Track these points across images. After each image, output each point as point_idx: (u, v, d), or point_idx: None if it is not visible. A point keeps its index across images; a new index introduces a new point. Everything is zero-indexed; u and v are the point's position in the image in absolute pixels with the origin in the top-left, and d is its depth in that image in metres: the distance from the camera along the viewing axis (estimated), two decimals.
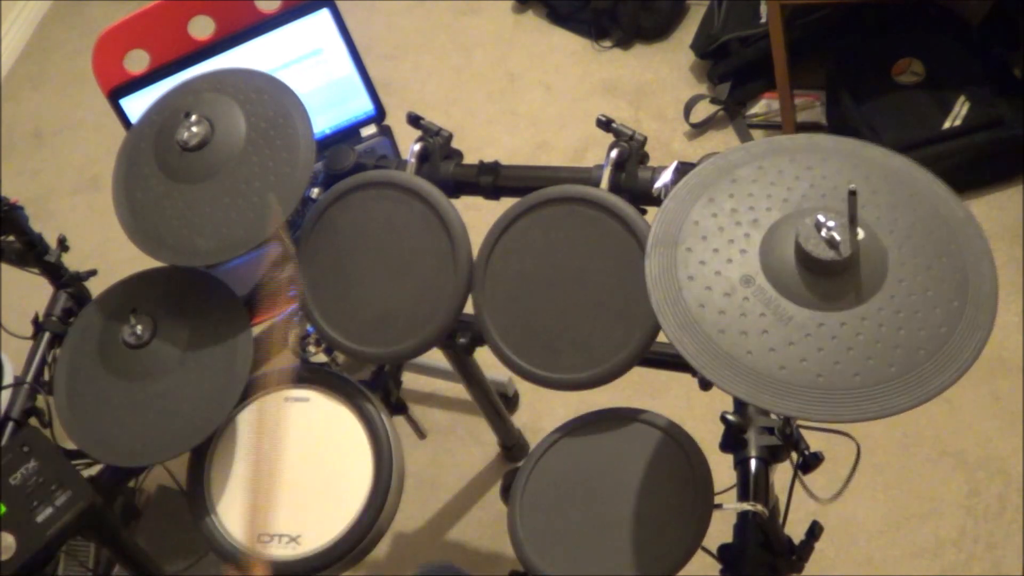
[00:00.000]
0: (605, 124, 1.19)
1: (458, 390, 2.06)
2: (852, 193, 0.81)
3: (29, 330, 1.42)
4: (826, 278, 0.82)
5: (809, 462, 1.08)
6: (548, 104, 2.55)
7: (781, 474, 1.10)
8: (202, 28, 1.69)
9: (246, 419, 1.23)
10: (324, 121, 1.69)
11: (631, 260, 1.09)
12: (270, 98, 1.20)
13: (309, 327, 1.27)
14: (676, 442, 1.09)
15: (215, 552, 1.17)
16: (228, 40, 1.61)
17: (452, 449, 2.01)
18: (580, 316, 1.11)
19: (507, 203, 1.19)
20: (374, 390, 1.24)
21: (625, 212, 1.11)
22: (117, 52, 1.68)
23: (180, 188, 1.17)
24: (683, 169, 1.09)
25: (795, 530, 1.09)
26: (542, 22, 2.72)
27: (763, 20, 2.23)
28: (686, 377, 1.23)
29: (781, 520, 1.10)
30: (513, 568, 1.10)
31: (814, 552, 1.08)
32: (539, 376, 1.12)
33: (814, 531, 1.08)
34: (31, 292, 1.57)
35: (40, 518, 1.12)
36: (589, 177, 1.18)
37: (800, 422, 1.09)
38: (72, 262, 1.52)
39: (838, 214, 0.82)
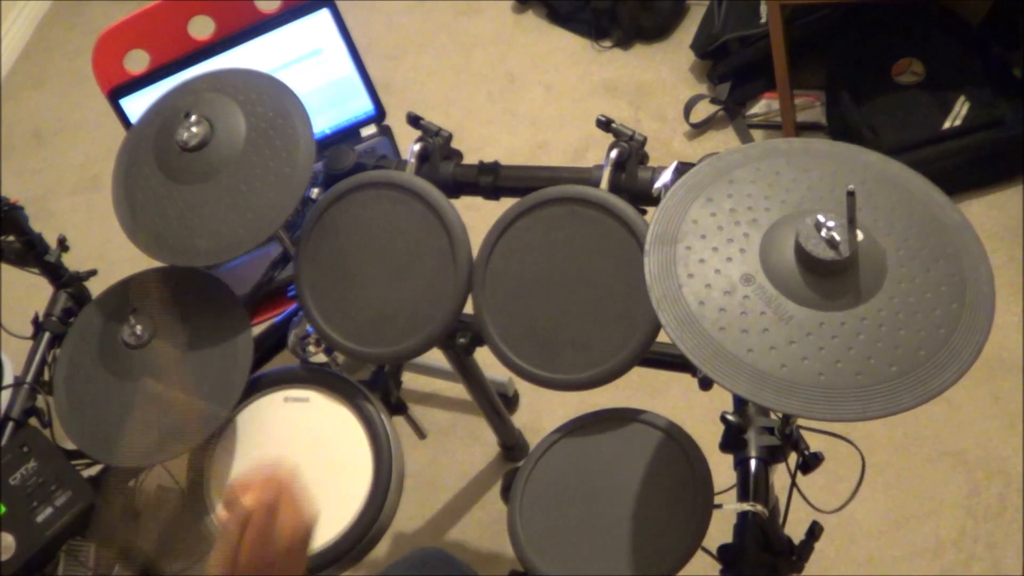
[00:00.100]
0: (605, 124, 1.19)
1: (458, 390, 2.06)
2: (851, 194, 0.81)
3: (29, 330, 1.42)
4: (826, 278, 0.83)
5: (809, 462, 1.08)
6: (548, 104, 2.55)
7: (781, 474, 1.10)
8: (202, 28, 1.69)
9: (246, 419, 1.23)
10: (324, 121, 1.69)
11: (631, 260, 1.09)
12: (270, 98, 1.20)
13: (309, 327, 1.27)
14: (676, 442, 1.09)
15: None
16: (228, 40, 1.62)
17: (452, 449, 2.01)
18: (580, 316, 1.11)
19: (507, 203, 1.19)
20: (374, 390, 1.24)
21: (625, 212, 1.11)
22: (117, 52, 1.68)
23: (180, 188, 1.17)
24: (683, 169, 1.09)
25: (795, 530, 1.09)
26: (542, 22, 2.73)
27: (763, 20, 2.23)
28: (686, 377, 1.23)
29: (781, 520, 1.10)
30: (513, 568, 1.10)
31: (814, 552, 1.08)
32: (539, 376, 1.12)
33: (814, 531, 1.08)
34: (31, 292, 1.57)
35: (40, 518, 1.12)
36: (589, 177, 1.18)
37: (800, 422, 1.09)
38: (72, 262, 1.52)
39: (837, 215, 0.83)
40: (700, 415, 1.23)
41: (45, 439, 1.19)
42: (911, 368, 0.79)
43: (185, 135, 1.17)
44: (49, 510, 1.12)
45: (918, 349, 0.80)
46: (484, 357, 1.34)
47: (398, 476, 1.18)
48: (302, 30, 1.61)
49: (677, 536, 1.01)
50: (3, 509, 1.12)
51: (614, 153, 1.17)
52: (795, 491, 1.09)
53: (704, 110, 2.36)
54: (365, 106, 1.71)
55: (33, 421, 1.34)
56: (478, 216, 1.25)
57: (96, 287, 1.38)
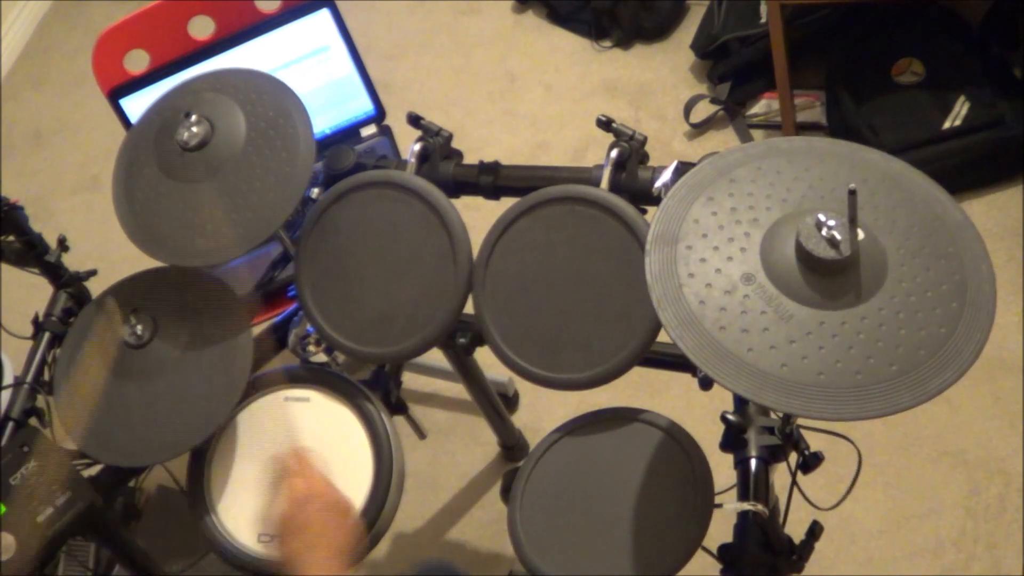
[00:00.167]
0: (605, 124, 1.19)
1: (458, 390, 2.06)
2: (852, 193, 0.81)
3: (29, 330, 1.42)
4: (827, 277, 0.82)
5: (809, 462, 1.08)
6: (548, 104, 2.55)
7: (781, 474, 1.10)
8: (202, 28, 1.69)
9: (246, 418, 1.23)
10: (324, 121, 1.69)
11: (631, 260, 1.09)
12: (270, 98, 1.20)
13: (309, 327, 1.27)
14: (676, 442, 1.09)
15: (215, 552, 1.17)
16: (228, 40, 1.62)
17: (452, 449, 2.01)
18: (580, 316, 1.11)
19: (507, 203, 1.19)
20: (374, 390, 1.24)
21: (625, 212, 1.11)
22: (117, 52, 1.68)
23: (180, 188, 1.17)
24: (683, 169, 1.09)
25: (795, 530, 1.09)
26: (542, 22, 2.72)
27: (763, 20, 2.23)
28: (686, 377, 1.23)
29: (781, 520, 1.10)
30: (513, 568, 1.10)
31: (814, 552, 1.08)
32: (539, 376, 1.12)
33: (814, 531, 1.08)
34: (31, 292, 1.57)
35: (40, 518, 1.12)
36: (589, 177, 1.18)
37: (800, 422, 1.09)
38: (72, 262, 1.52)
39: (838, 214, 0.82)
40: (700, 415, 1.23)
41: (45, 439, 1.19)
42: (911, 367, 0.79)
43: (185, 135, 1.17)
44: (49, 510, 1.12)
45: (918, 348, 0.80)
46: (484, 357, 1.34)
47: (398, 476, 1.18)
48: (302, 30, 1.61)
49: (677, 536, 1.01)
50: (3, 509, 1.12)
51: (614, 153, 1.17)
52: (795, 491, 1.09)
53: (704, 110, 2.36)
54: (365, 106, 1.71)
55: (33, 421, 1.34)
56: (478, 216, 1.25)
57: (96, 287, 1.38)
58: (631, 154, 1.17)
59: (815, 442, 1.10)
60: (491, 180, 1.26)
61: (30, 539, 1.10)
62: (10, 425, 1.31)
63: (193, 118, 1.17)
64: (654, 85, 2.49)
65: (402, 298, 1.19)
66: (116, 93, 1.63)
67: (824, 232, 0.82)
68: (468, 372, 1.65)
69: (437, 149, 1.27)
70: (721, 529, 1.04)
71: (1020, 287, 1.89)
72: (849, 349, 0.80)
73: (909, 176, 0.91)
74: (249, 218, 1.14)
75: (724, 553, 1.04)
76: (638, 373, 1.11)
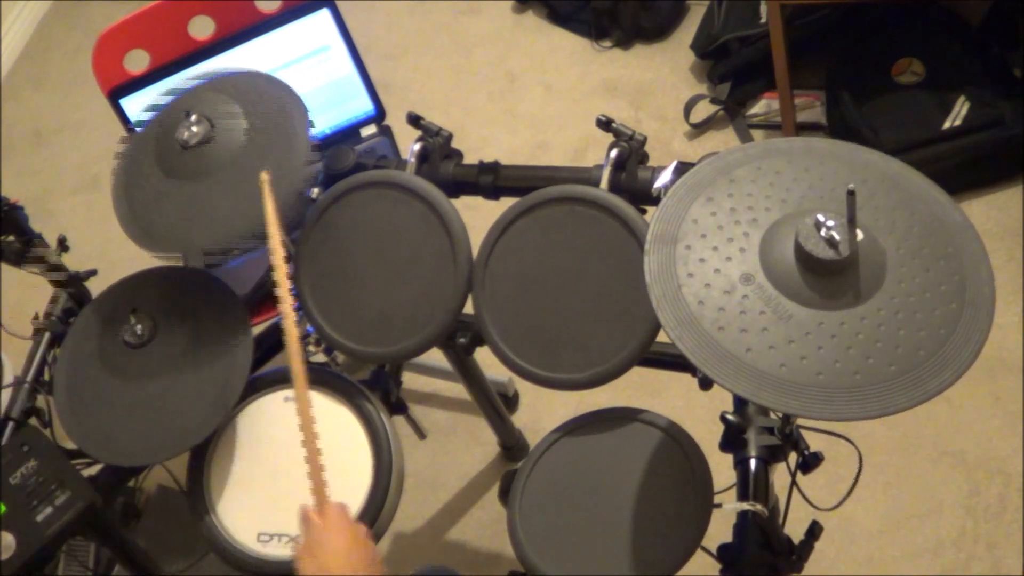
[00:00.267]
0: (605, 124, 1.19)
1: (458, 390, 2.06)
2: (851, 193, 0.81)
3: (29, 330, 1.42)
4: (826, 277, 0.83)
5: (809, 462, 1.08)
6: (548, 104, 2.55)
7: (781, 474, 1.10)
8: (202, 28, 1.69)
9: (246, 418, 1.23)
10: (324, 121, 1.69)
11: (631, 260, 1.09)
12: (269, 97, 1.20)
13: (309, 327, 1.27)
14: (676, 442, 1.09)
15: (215, 552, 1.17)
16: (228, 40, 1.62)
17: (452, 449, 2.01)
18: (580, 316, 1.11)
19: (507, 203, 1.19)
20: (374, 390, 1.24)
21: (625, 212, 1.11)
22: (117, 52, 1.68)
23: (180, 186, 1.17)
24: (683, 169, 1.09)
25: (795, 530, 1.09)
26: (542, 22, 2.72)
27: (763, 20, 2.23)
28: (686, 377, 1.23)
29: (781, 520, 1.10)
30: (513, 568, 1.10)
31: (814, 552, 1.08)
32: (539, 376, 1.12)
33: (814, 531, 1.08)
34: (31, 292, 1.57)
35: (40, 518, 1.12)
36: (589, 177, 1.18)
37: (800, 422, 1.09)
38: (72, 262, 1.52)
39: (837, 215, 0.82)
40: (700, 415, 1.23)
41: (45, 439, 1.19)
42: (910, 368, 0.79)
43: (185, 134, 1.16)
44: (49, 510, 1.12)
45: (918, 349, 0.80)
46: (484, 357, 1.34)
47: (398, 476, 1.18)
48: (302, 30, 1.61)
49: (677, 536, 1.02)
50: (3, 509, 1.12)
51: (614, 153, 1.17)
52: (795, 491, 1.09)
53: (704, 110, 2.36)
54: (365, 106, 1.71)
55: (33, 421, 1.34)
56: (478, 216, 1.25)
57: (96, 287, 1.38)
58: (631, 154, 1.17)
59: (815, 442, 1.10)
60: (491, 180, 1.26)
61: (30, 539, 1.10)
62: (10, 425, 1.32)
63: (193, 117, 1.17)
64: (654, 85, 2.49)
65: (402, 298, 1.19)
66: (116, 93, 1.63)
67: (823, 232, 0.82)
68: (468, 372, 1.65)
69: (437, 149, 1.27)
70: (721, 529, 1.04)
71: (1020, 287, 1.89)
72: (848, 349, 0.80)
73: (908, 177, 0.91)
74: (251, 212, 1.14)
75: (724, 553, 1.04)
76: (638, 373, 1.11)
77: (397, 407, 1.32)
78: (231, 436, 1.23)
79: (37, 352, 1.40)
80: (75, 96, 3.03)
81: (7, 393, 1.37)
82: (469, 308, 1.17)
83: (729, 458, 1.10)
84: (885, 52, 2.13)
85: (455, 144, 1.30)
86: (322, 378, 1.24)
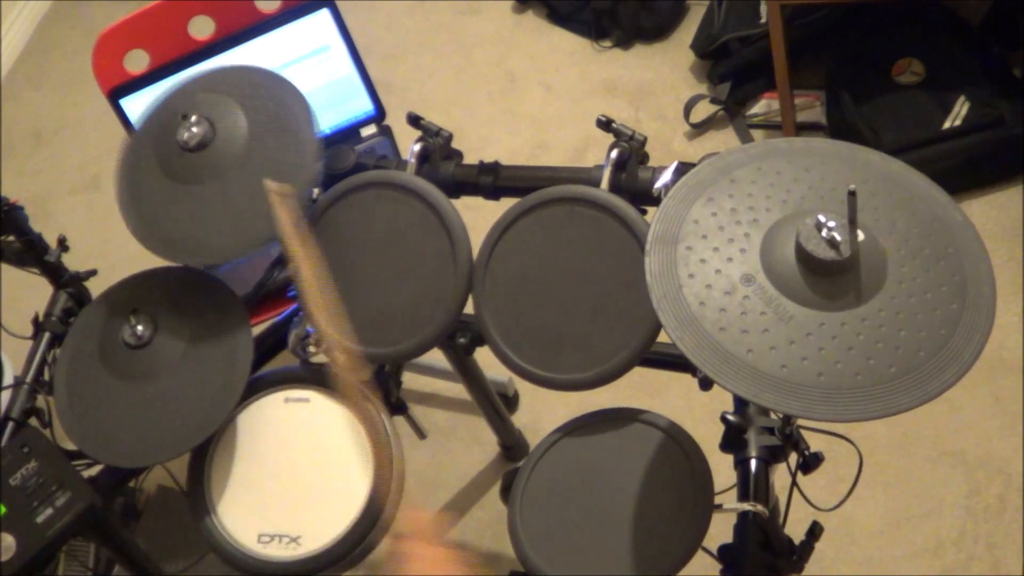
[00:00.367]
0: (605, 124, 1.19)
1: (458, 390, 2.06)
2: (852, 194, 0.81)
3: (29, 330, 1.42)
4: (826, 278, 0.82)
5: (809, 462, 1.08)
6: (548, 104, 2.55)
7: (781, 475, 1.10)
8: (202, 28, 1.69)
9: (246, 419, 1.23)
10: (324, 121, 1.69)
11: (631, 260, 1.09)
12: (267, 91, 1.20)
13: (309, 327, 1.27)
14: (676, 442, 1.09)
15: (215, 553, 1.17)
16: (228, 40, 1.61)
17: (452, 449, 2.01)
18: (580, 316, 1.11)
19: (507, 203, 1.19)
20: (374, 390, 1.24)
21: (625, 212, 1.11)
22: (117, 52, 1.68)
23: (189, 189, 1.17)
24: (683, 169, 1.09)
25: (795, 530, 1.09)
26: (542, 22, 2.72)
27: (763, 20, 2.23)
28: (686, 377, 1.23)
29: (781, 520, 1.10)
30: (513, 568, 1.10)
31: (814, 552, 1.08)
32: (539, 376, 1.12)
33: (814, 531, 1.08)
34: (31, 292, 1.57)
35: (40, 518, 1.12)
36: (589, 177, 1.18)
37: (801, 423, 1.09)
38: (72, 262, 1.52)
39: (838, 215, 0.82)
40: (700, 415, 1.23)
41: (45, 439, 1.19)
42: (911, 368, 0.79)
43: (186, 135, 1.16)
44: (49, 510, 1.12)
45: (918, 350, 0.80)
46: (484, 357, 1.34)
47: (398, 476, 1.18)
48: (302, 30, 1.61)
49: (677, 536, 1.02)
50: (3, 509, 1.12)
51: (614, 153, 1.17)
52: (795, 491, 1.09)
53: (704, 110, 2.36)
54: (365, 106, 1.71)
55: (33, 421, 1.34)
56: (478, 216, 1.25)
57: (96, 287, 1.38)
58: (631, 154, 1.17)
59: (815, 442, 1.10)
60: (491, 180, 1.26)
61: (30, 540, 1.10)
62: (10, 425, 1.32)
63: (193, 119, 1.17)
64: (654, 85, 2.49)
65: (402, 298, 1.19)
66: (116, 93, 1.63)
67: (824, 233, 0.82)
68: (468, 372, 1.65)
69: (437, 149, 1.27)
70: (721, 529, 1.04)
71: (1020, 287, 1.89)
72: (849, 350, 0.80)
73: (909, 177, 0.91)
74: (266, 210, 1.14)
75: (724, 553, 1.04)
76: (638, 373, 1.11)
77: (397, 407, 1.32)
78: (231, 436, 1.22)
79: (37, 352, 1.39)
80: (75, 96, 3.03)
81: (7, 393, 1.37)
82: (469, 308, 1.17)
83: (729, 458, 1.10)
84: (885, 52, 2.13)
85: (455, 144, 1.30)
86: (322, 378, 1.24)
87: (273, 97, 1.20)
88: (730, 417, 1.08)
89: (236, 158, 1.16)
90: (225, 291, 1.24)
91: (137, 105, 1.63)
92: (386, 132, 1.78)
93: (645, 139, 1.18)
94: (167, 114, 1.22)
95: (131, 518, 1.91)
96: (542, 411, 2.00)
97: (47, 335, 1.41)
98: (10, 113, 3.06)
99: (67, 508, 1.12)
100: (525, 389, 2.03)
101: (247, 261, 1.65)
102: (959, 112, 2.01)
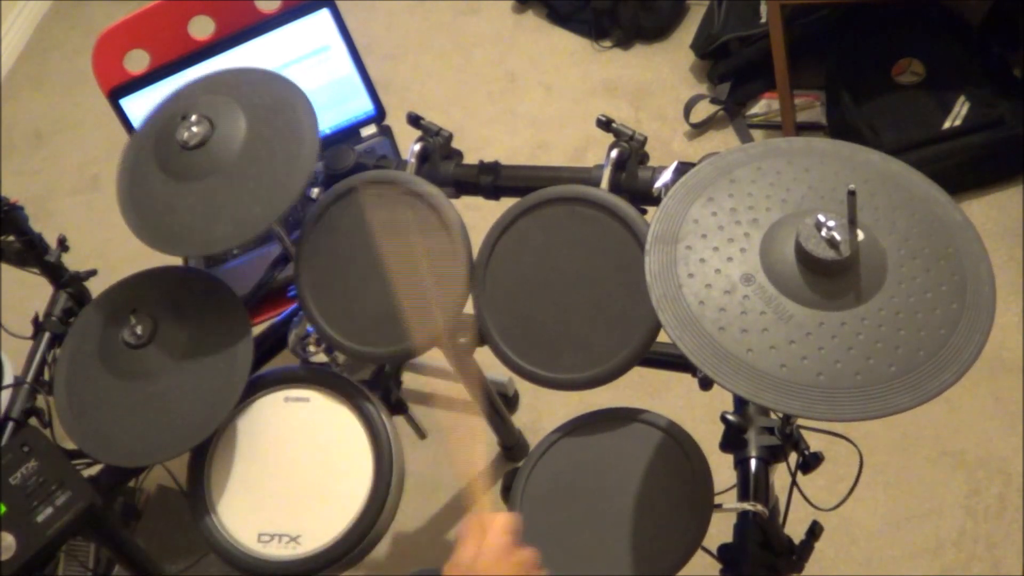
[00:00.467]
0: (605, 124, 1.19)
1: (458, 390, 2.06)
2: (851, 193, 0.81)
3: (29, 330, 1.42)
4: (826, 278, 0.82)
5: (809, 462, 1.08)
6: (548, 104, 2.55)
7: (781, 474, 1.10)
8: (202, 28, 1.69)
9: (246, 418, 1.23)
10: (324, 121, 1.69)
11: (631, 260, 1.09)
12: (265, 88, 1.20)
13: (309, 327, 1.27)
14: (676, 442, 1.09)
15: (215, 552, 1.17)
16: (228, 40, 1.62)
17: (452, 449, 2.01)
18: (580, 316, 1.11)
19: (507, 203, 1.19)
20: (374, 390, 1.24)
21: (625, 212, 1.11)
22: (117, 52, 1.68)
23: (190, 186, 1.16)
24: (683, 169, 1.09)
25: (795, 530, 1.09)
26: (542, 22, 2.72)
27: (763, 20, 2.23)
28: (686, 377, 1.23)
29: (781, 520, 1.10)
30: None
31: (814, 552, 1.08)
32: (539, 376, 1.12)
33: (814, 531, 1.08)
34: (31, 292, 1.57)
35: (40, 518, 1.12)
36: (589, 177, 1.18)
37: (800, 422, 1.09)
38: (72, 262, 1.52)
39: (838, 215, 0.82)
40: (700, 415, 1.23)
41: (45, 439, 1.19)
42: (911, 368, 0.79)
43: (186, 135, 1.16)
44: (49, 510, 1.12)
45: (918, 349, 0.80)
46: (484, 357, 1.34)
47: (398, 476, 1.18)
48: (302, 30, 1.61)
49: (677, 536, 1.01)
50: (3, 509, 1.12)
51: (614, 153, 1.17)
52: (795, 491, 1.09)
53: (704, 110, 2.36)
54: (365, 106, 1.71)
55: (33, 421, 1.34)
56: (478, 216, 1.25)
57: (96, 287, 1.38)
58: (631, 154, 1.17)
59: (815, 442, 1.10)
60: (491, 180, 1.26)
61: (30, 539, 1.10)
62: (10, 425, 1.32)
63: (193, 118, 1.17)
64: (654, 85, 2.49)
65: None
66: (116, 93, 1.63)
67: (824, 233, 0.82)
68: (468, 372, 1.65)
69: (437, 149, 1.27)
70: (721, 529, 1.04)
71: (1020, 287, 1.89)
72: (849, 350, 0.80)
73: (909, 177, 0.91)
74: (264, 197, 1.14)
75: (724, 553, 1.04)
76: (638, 373, 1.11)
77: (397, 407, 1.32)
78: (231, 436, 1.23)
79: (37, 352, 1.40)
80: (75, 96, 3.03)
81: (7, 393, 1.37)
82: (469, 308, 1.17)
83: (729, 458, 1.10)
84: (885, 52, 2.13)
85: (455, 144, 1.30)
86: (322, 378, 1.24)
87: (270, 92, 1.20)
88: (730, 417, 1.08)
89: (236, 155, 1.16)
90: (225, 291, 1.24)
91: (137, 105, 1.63)
92: (386, 132, 1.78)
93: (645, 139, 1.18)
94: (165, 118, 1.22)
95: (131, 518, 1.91)
96: (542, 411, 2.00)
97: (47, 335, 1.41)
98: (10, 113, 3.06)
99: (67, 507, 1.12)
100: (525, 389, 2.02)
101: (244, 261, 1.66)
102: (959, 112, 2.01)
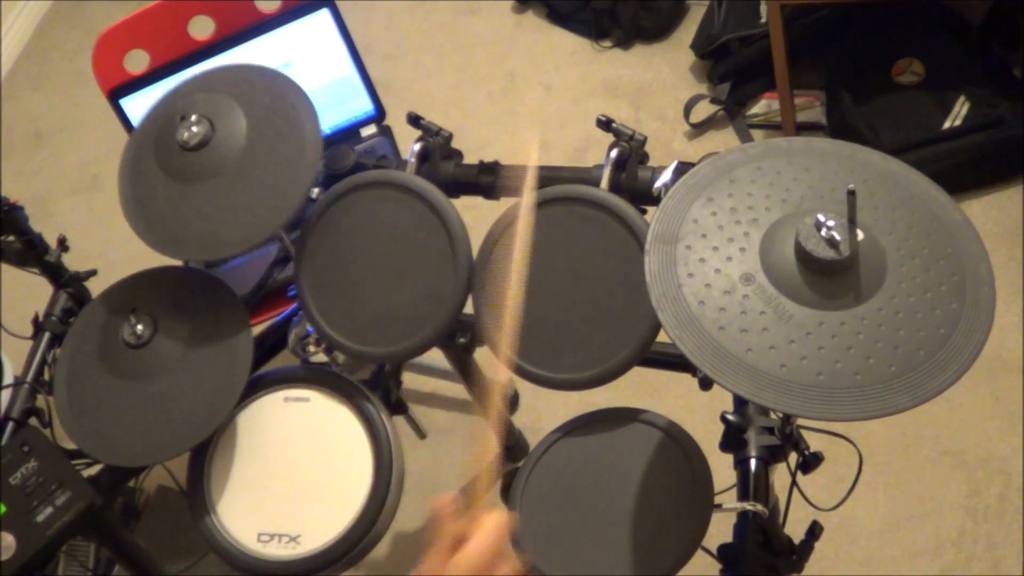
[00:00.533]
0: (605, 124, 1.19)
1: (458, 390, 2.06)
2: (851, 193, 0.81)
3: (29, 330, 1.42)
4: (826, 277, 0.82)
5: (809, 462, 1.08)
6: (548, 104, 2.55)
7: (781, 474, 1.10)
8: (202, 28, 1.69)
9: (246, 418, 1.23)
10: (324, 121, 1.69)
11: (631, 260, 1.09)
12: (264, 87, 1.20)
13: (309, 327, 1.27)
14: (676, 442, 1.09)
15: (215, 552, 1.17)
16: (228, 40, 1.62)
17: (452, 449, 2.01)
18: (580, 316, 1.11)
19: (507, 203, 1.19)
20: (374, 390, 1.24)
21: (625, 212, 1.11)
22: (117, 52, 1.68)
23: (192, 188, 1.16)
24: (683, 169, 1.09)
25: (795, 530, 1.09)
26: (542, 22, 2.72)
27: (763, 20, 2.23)
28: (686, 377, 1.23)
29: (781, 520, 1.10)
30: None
31: (814, 552, 1.08)
32: (539, 376, 1.12)
33: (814, 531, 1.08)
34: (31, 292, 1.57)
35: (40, 518, 1.12)
36: (589, 177, 1.18)
37: (800, 422, 1.09)
38: (72, 262, 1.52)
39: (838, 215, 0.83)
40: (700, 415, 1.23)
41: (45, 439, 1.19)
42: (910, 368, 0.79)
43: (186, 135, 1.16)
44: (49, 510, 1.12)
45: (918, 349, 0.80)
46: (484, 357, 1.34)
47: (398, 476, 1.18)
48: (302, 30, 1.61)
49: (677, 536, 1.01)
50: (3, 509, 1.12)
51: (614, 153, 1.17)
52: (795, 491, 1.09)
53: (704, 110, 2.36)
54: (365, 106, 1.71)
55: (33, 421, 1.34)
56: (478, 216, 1.25)
57: (96, 287, 1.38)
58: (631, 154, 1.17)
59: (815, 442, 1.10)
60: (491, 180, 1.26)
61: (30, 539, 1.10)
62: (10, 425, 1.32)
63: (193, 118, 1.17)
64: (654, 85, 2.49)
65: (402, 298, 1.19)
66: (116, 93, 1.63)
67: (823, 232, 0.82)
68: (468, 372, 1.65)
69: (437, 149, 1.27)
70: (721, 529, 1.04)
71: (1020, 287, 1.89)
72: (848, 349, 0.80)
73: (908, 177, 0.91)
74: (270, 201, 1.14)
75: (724, 553, 1.04)
76: (638, 373, 1.11)
77: (397, 407, 1.32)
78: (231, 436, 1.23)
79: (37, 352, 1.40)
80: (75, 96, 3.03)
81: (7, 393, 1.37)
82: (469, 308, 1.17)
83: (729, 458, 1.10)
84: (885, 52, 2.13)
85: (455, 144, 1.30)
86: (322, 378, 1.24)
87: (269, 90, 1.20)
88: (730, 417, 1.08)
89: (238, 156, 1.16)
90: (225, 291, 1.24)
91: (137, 105, 1.63)
92: (386, 132, 1.78)
93: (645, 139, 1.18)
94: (164, 118, 1.22)
95: (131, 518, 1.91)
96: (542, 411, 2.00)
97: (47, 335, 1.41)
98: (10, 113, 3.06)
99: (67, 507, 1.12)
100: (525, 389, 2.02)
101: (244, 261, 1.66)
102: (959, 112, 2.01)
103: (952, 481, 1.73)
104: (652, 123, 2.41)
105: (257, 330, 1.30)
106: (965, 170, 2.00)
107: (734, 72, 2.34)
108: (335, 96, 1.68)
